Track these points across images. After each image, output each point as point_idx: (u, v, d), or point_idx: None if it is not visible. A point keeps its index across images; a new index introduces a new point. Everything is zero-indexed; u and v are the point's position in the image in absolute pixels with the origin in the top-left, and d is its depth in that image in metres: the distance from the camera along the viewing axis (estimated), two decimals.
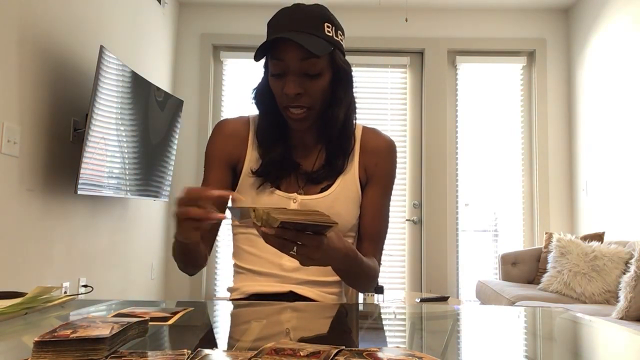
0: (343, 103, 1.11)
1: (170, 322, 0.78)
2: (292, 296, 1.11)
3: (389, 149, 1.19)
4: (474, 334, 0.86)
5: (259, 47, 1.02)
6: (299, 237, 0.81)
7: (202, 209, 0.85)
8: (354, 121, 1.16)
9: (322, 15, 1.07)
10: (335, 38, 1.08)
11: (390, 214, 1.22)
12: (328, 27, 1.07)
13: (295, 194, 1.13)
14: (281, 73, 1.06)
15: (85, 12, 2.65)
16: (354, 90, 1.16)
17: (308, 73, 1.05)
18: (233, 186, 1.19)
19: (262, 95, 1.15)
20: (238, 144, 1.18)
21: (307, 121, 1.09)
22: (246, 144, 1.18)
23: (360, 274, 1.06)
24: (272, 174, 1.13)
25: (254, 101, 1.17)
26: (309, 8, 1.07)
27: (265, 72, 1.12)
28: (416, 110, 4.19)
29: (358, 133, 1.19)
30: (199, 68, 4.13)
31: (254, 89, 1.17)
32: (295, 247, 0.82)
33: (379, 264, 1.18)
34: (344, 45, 1.13)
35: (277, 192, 1.13)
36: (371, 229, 1.17)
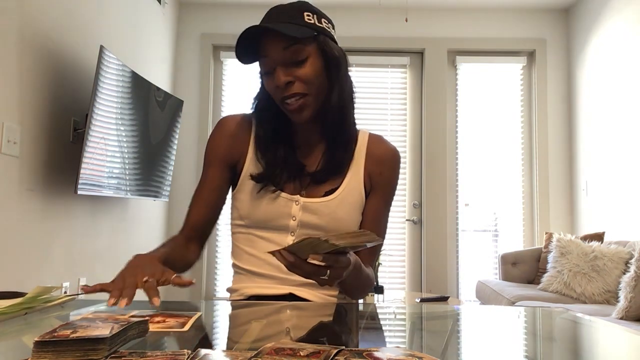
0: (335, 88, 1.09)
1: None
2: (291, 298, 1.10)
3: (394, 159, 1.18)
4: (474, 334, 0.86)
5: (238, 46, 1.04)
6: (335, 260, 0.82)
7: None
8: (353, 109, 1.15)
9: (301, 6, 1.08)
10: (319, 25, 1.08)
11: (390, 213, 1.22)
12: (308, 15, 1.07)
13: (298, 195, 1.12)
14: (270, 70, 1.06)
15: (85, 12, 2.65)
16: (354, 86, 1.14)
17: (294, 60, 1.04)
18: (231, 185, 1.19)
19: (262, 102, 1.14)
20: (239, 144, 1.16)
21: (305, 110, 1.07)
22: (247, 144, 1.16)
23: (360, 284, 1.07)
24: (274, 177, 1.11)
25: (253, 110, 1.16)
26: (287, 5, 1.09)
27: (262, 81, 1.12)
28: (416, 110, 4.19)
29: (364, 139, 1.18)
30: (199, 68, 4.13)
31: (254, 98, 1.17)
32: (327, 271, 0.83)
33: (374, 272, 1.19)
34: (333, 33, 1.12)
35: (278, 193, 1.11)
36: None
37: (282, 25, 1.03)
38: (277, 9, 1.08)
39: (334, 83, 1.09)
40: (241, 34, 1.02)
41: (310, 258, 0.81)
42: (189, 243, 1.15)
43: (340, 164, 1.13)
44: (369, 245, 0.84)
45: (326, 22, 1.11)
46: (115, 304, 0.75)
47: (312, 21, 1.07)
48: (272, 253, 0.83)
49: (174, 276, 0.86)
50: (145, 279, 0.82)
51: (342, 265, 0.85)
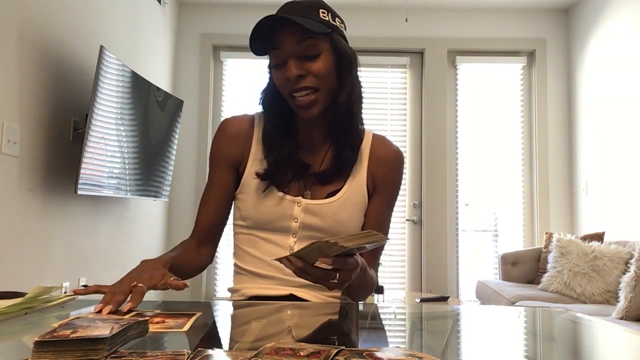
0: (345, 87, 1.09)
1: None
2: (292, 299, 1.10)
3: (397, 160, 1.17)
4: (474, 334, 0.86)
5: (253, 34, 1.02)
6: (344, 263, 0.82)
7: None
8: (360, 111, 1.14)
9: (316, 3, 1.08)
10: (333, 23, 1.08)
11: (391, 215, 1.21)
12: (323, 12, 1.07)
13: (301, 197, 1.10)
14: (281, 62, 1.05)
15: (85, 12, 2.65)
16: (362, 87, 1.14)
17: (307, 55, 1.04)
18: (237, 187, 1.18)
19: (269, 96, 1.14)
20: (241, 144, 1.16)
21: (314, 106, 1.06)
22: (250, 144, 1.15)
23: (364, 286, 1.07)
24: (278, 176, 1.10)
25: (261, 104, 1.15)
26: (303, 1, 1.08)
27: (271, 74, 1.12)
28: (416, 110, 4.19)
29: (368, 139, 1.17)
30: (199, 68, 4.13)
31: (262, 92, 1.16)
32: (337, 275, 0.83)
33: (376, 274, 1.18)
34: (345, 32, 1.12)
35: (282, 195, 1.10)
36: None
37: (299, 18, 1.02)
38: (292, 4, 1.08)
39: (344, 82, 1.09)
40: (258, 24, 1.01)
41: (320, 262, 0.80)
42: (200, 247, 1.16)
43: (347, 164, 1.12)
44: (376, 245, 0.84)
45: (339, 21, 1.11)
46: (100, 311, 0.76)
47: (327, 18, 1.07)
48: (280, 260, 0.83)
49: (171, 279, 0.88)
50: (134, 283, 0.84)
51: (351, 267, 0.85)
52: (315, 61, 1.04)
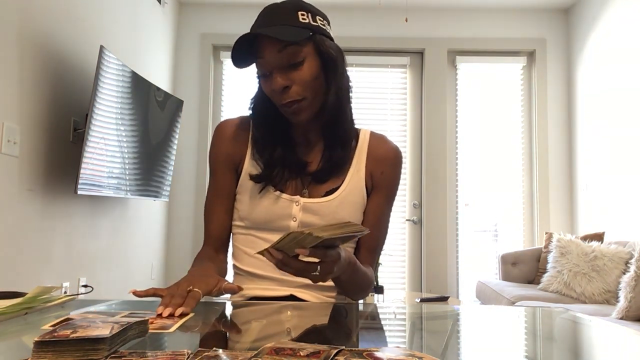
0: (332, 88, 1.07)
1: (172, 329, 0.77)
2: (292, 300, 1.10)
3: (396, 158, 1.17)
4: (474, 334, 0.86)
5: (234, 52, 1.02)
6: (324, 255, 0.82)
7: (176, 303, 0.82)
8: (350, 108, 1.13)
9: (295, 5, 1.06)
10: (314, 23, 1.05)
11: (390, 213, 1.21)
12: (303, 14, 1.05)
13: (299, 196, 1.10)
14: (267, 72, 1.05)
15: (85, 12, 2.65)
16: (350, 82, 1.13)
17: (291, 63, 1.02)
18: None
19: (259, 103, 1.13)
20: (238, 145, 1.16)
21: (303, 113, 1.06)
22: (246, 144, 1.16)
23: (358, 283, 1.06)
24: (273, 177, 1.10)
25: (250, 111, 1.15)
26: (281, 4, 1.06)
27: (259, 82, 1.11)
28: (416, 110, 4.19)
29: (366, 137, 1.17)
30: (199, 68, 4.13)
31: (251, 99, 1.15)
32: (318, 267, 0.83)
33: (375, 272, 1.18)
34: (329, 29, 1.10)
35: (279, 194, 1.10)
36: (370, 239, 1.14)
37: (277, 28, 1.01)
38: (270, 10, 1.05)
39: (331, 83, 1.08)
40: (236, 42, 1.00)
41: (297, 252, 0.80)
42: (218, 254, 1.16)
43: (340, 163, 1.12)
44: (356, 235, 0.84)
45: (321, 19, 1.08)
46: (161, 314, 0.78)
47: (307, 20, 1.05)
48: (261, 253, 0.83)
49: (225, 283, 0.91)
50: (190, 288, 0.85)
51: (332, 259, 0.84)
52: (300, 69, 1.03)
